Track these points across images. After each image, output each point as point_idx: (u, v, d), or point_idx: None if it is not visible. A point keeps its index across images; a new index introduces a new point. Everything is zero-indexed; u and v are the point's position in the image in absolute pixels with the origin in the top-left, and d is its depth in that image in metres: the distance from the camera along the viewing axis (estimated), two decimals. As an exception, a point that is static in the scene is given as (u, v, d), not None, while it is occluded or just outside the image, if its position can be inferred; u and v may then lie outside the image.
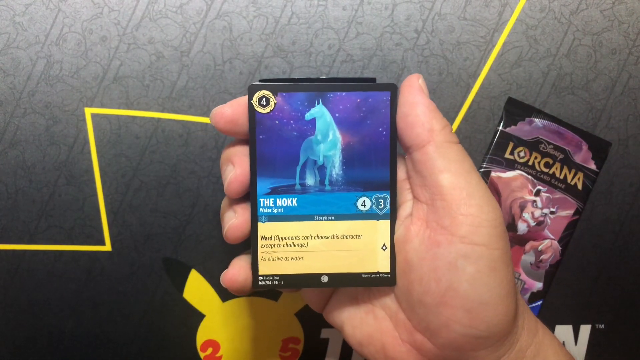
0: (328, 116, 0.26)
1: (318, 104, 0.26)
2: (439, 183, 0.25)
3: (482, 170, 0.38)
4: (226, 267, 0.35)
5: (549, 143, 0.38)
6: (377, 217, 0.27)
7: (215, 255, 0.38)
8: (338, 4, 0.37)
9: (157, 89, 0.37)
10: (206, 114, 0.37)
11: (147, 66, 0.36)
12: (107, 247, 0.38)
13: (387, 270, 0.27)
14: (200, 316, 0.39)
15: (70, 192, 0.37)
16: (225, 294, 0.38)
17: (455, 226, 0.25)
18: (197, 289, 0.38)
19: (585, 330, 0.40)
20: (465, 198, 0.25)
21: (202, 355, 0.39)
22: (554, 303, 0.39)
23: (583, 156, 0.38)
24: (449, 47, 0.37)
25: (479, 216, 0.25)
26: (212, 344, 0.39)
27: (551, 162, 0.38)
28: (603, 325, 0.40)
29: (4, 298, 0.38)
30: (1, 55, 0.36)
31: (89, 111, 0.37)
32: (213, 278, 0.38)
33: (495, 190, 0.38)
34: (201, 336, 0.39)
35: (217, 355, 0.39)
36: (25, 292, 0.38)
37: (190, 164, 0.37)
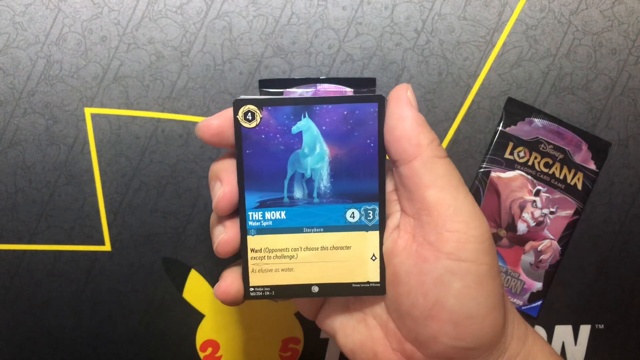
0: (315, 129, 0.26)
1: (304, 117, 0.26)
2: (425, 199, 0.25)
3: (482, 170, 0.38)
4: (226, 267, 0.35)
5: (549, 143, 0.38)
6: (366, 228, 0.27)
7: (215, 255, 0.38)
8: (338, 4, 0.37)
9: (157, 89, 0.37)
10: (206, 114, 0.37)
11: (147, 66, 0.36)
12: (107, 247, 0.38)
13: (377, 279, 0.27)
14: (200, 316, 0.39)
15: (70, 192, 0.37)
16: (225, 294, 0.39)
17: (442, 242, 0.25)
18: (197, 289, 0.38)
19: (585, 330, 0.40)
20: (452, 214, 0.25)
21: (202, 355, 0.39)
22: (554, 303, 0.39)
23: (583, 156, 0.38)
24: (449, 47, 0.37)
25: (466, 232, 0.25)
26: (212, 344, 0.39)
27: (551, 162, 0.38)
28: (603, 325, 0.40)
29: (4, 298, 0.38)
30: (1, 55, 0.36)
31: (89, 111, 0.37)
32: (213, 278, 0.38)
33: (495, 190, 0.38)
34: (201, 336, 0.39)
35: (217, 355, 0.39)
36: (25, 292, 0.38)
37: (190, 164, 0.37)
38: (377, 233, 0.27)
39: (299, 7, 0.37)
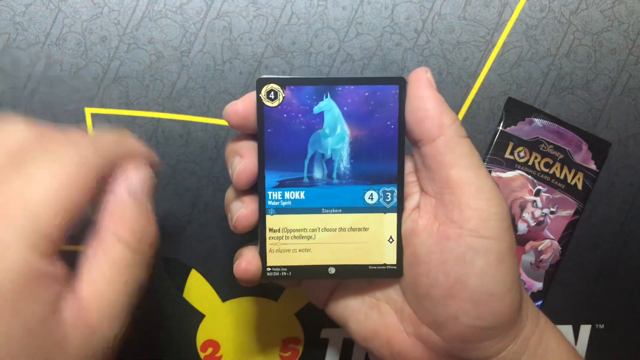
0: (336, 110, 0.26)
1: (326, 97, 0.26)
2: (448, 177, 0.25)
3: (482, 170, 0.38)
4: (226, 267, 0.35)
5: (549, 143, 0.38)
6: (384, 210, 0.27)
7: (215, 255, 0.38)
8: (338, 4, 0.37)
9: (157, 89, 0.37)
10: (206, 114, 0.37)
11: (147, 66, 0.36)
12: (107, 247, 0.37)
13: (394, 262, 0.27)
14: (200, 316, 0.39)
15: (70, 192, 0.37)
16: (225, 294, 0.38)
17: (464, 220, 0.25)
18: (197, 289, 0.38)
19: (585, 330, 0.40)
20: (474, 192, 0.25)
21: (202, 355, 0.39)
22: (554, 303, 0.39)
23: (583, 156, 0.38)
24: (449, 47, 0.37)
25: (488, 210, 0.25)
26: (212, 344, 0.39)
27: (551, 162, 0.38)
28: (603, 325, 0.40)
29: (4, 298, 0.38)
30: (1, 55, 0.36)
31: (89, 111, 0.37)
32: (213, 278, 0.38)
33: (495, 190, 0.38)
34: (201, 336, 0.39)
35: (217, 355, 0.39)
36: (25, 292, 0.38)
37: (190, 164, 0.37)
38: (395, 215, 0.27)
39: (299, 7, 0.37)
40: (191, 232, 0.38)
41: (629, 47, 0.38)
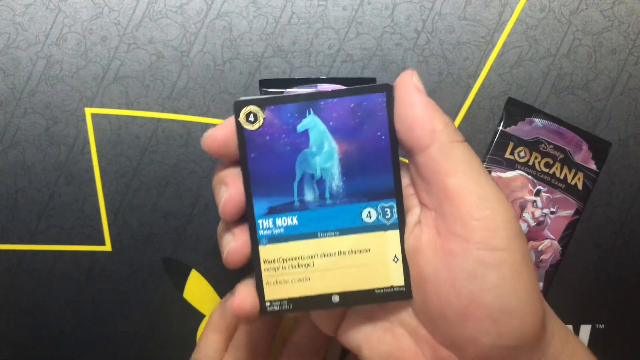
0: (321, 126, 0.25)
1: (309, 114, 0.25)
2: (446, 188, 0.23)
3: (482, 170, 0.38)
4: (226, 267, 0.34)
5: (549, 143, 0.38)
6: (384, 227, 0.25)
7: (215, 255, 0.38)
8: (338, 4, 0.37)
9: (157, 89, 0.37)
10: (206, 114, 0.37)
11: (147, 66, 0.36)
12: (107, 247, 0.38)
13: (402, 283, 0.25)
14: (200, 316, 0.39)
15: (70, 192, 0.37)
16: (225, 294, 0.38)
17: (469, 232, 0.23)
18: (197, 289, 0.38)
19: (585, 330, 0.40)
20: (477, 201, 0.23)
21: (202, 355, 0.39)
22: (554, 303, 0.39)
23: (583, 156, 0.38)
24: (449, 47, 0.37)
25: (494, 219, 0.23)
26: (212, 344, 0.39)
27: (551, 162, 0.38)
28: (603, 325, 0.40)
29: (4, 298, 0.38)
30: (1, 55, 0.36)
31: (89, 111, 0.37)
32: (213, 278, 0.38)
33: (495, 190, 0.38)
34: (201, 336, 0.39)
35: (217, 355, 0.39)
36: (25, 292, 0.38)
37: (190, 164, 0.37)
38: (397, 232, 0.25)
39: (299, 7, 0.37)
40: (191, 232, 0.38)
41: (629, 47, 0.38)
